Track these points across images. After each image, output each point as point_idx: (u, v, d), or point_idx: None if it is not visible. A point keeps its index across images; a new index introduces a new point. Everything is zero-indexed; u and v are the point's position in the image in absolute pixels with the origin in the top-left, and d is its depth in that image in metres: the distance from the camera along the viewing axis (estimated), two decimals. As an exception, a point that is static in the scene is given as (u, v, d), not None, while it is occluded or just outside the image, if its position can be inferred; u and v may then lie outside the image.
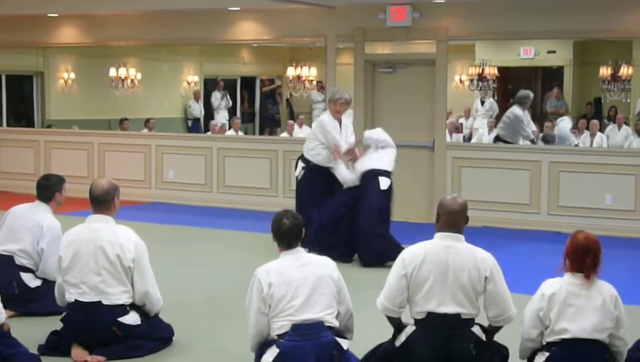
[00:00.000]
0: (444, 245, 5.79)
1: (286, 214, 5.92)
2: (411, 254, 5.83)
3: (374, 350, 6.04)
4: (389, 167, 10.53)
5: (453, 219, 5.85)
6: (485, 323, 5.89)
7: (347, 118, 11.29)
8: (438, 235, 5.88)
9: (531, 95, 14.53)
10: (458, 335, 5.70)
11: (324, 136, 10.69)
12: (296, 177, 10.99)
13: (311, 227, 9.82)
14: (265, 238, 11.53)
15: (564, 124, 15.02)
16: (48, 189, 7.82)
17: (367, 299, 6.65)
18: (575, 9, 12.37)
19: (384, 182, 10.40)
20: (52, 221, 7.69)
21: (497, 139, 14.17)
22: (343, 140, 10.77)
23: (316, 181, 10.78)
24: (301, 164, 10.90)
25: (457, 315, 5.69)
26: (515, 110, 13.94)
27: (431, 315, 5.71)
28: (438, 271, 5.71)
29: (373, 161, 10.51)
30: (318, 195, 10.68)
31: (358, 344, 6.04)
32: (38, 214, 7.70)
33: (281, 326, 5.69)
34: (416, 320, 5.81)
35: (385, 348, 5.97)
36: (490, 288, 5.73)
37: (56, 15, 15.85)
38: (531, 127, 14.07)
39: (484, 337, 5.80)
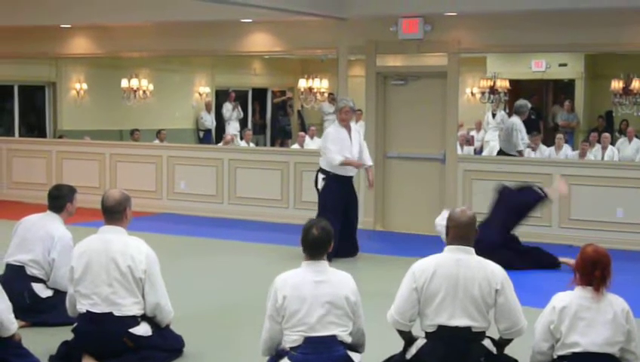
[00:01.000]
0: (455, 258, 5.78)
1: (317, 224, 5.87)
2: (421, 268, 5.83)
3: (387, 360, 6.04)
4: None
5: (462, 232, 5.84)
6: (496, 336, 5.88)
7: (355, 127, 11.37)
8: (448, 248, 5.87)
9: (529, 104, 14.68)
10: (469, 349, 5.70)
11: (324, 151, 10.93)
12: (318, 189, 11.04)
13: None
14: (276, 249, 11.66)
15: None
16: (60, 199, 7.85)
17: (374, 309, 6.64)
18: (587, 22, 12.37)
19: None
20: (63, 231, 7.71)
21: (500, 152, 14.21)
22: (355, 149, 10.95)
23: (338, 190, 10.92)
24: (321, 176, 10.99)
25: (468, 328, 5.68)
26: (515, 120, 13.97)
27: (442, 328, 5.70)
28: (449, 284, 5.70)
29: None
30: (341, 204, 10.85)
31: (368, 356, 6.04)
32: (49, 224, 7.72)
33: (294, 339, 5.69)
34: (427, 333, 5.80)
35: (396, 360, 5.97)
36: (501, 301, 5.72)
37: (69, 26, 15.90)
38: (522, 140, 14.05)
39: (494, 350, 5.79)
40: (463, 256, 5.79)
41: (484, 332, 5.78)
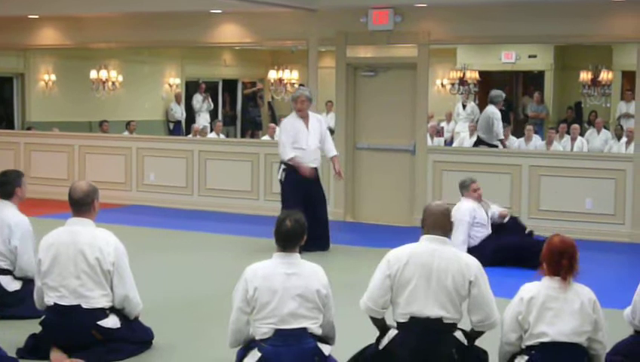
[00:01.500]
0: (430, 248, 5.80)
1: (290, 216, 5.86)
2: (396, 255, 5.85)
3: (360, 352, 6.04)
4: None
5: (438, 223, 5.87)
6: (467, 328, 5.89)
7: (315, 117, 11.23)
8: (424, 238, 5.89)
9: (503, 94, 14.73)
10: (440, 340, 5.70)
11: (279, 141, 10.95)
12: (280, 180, 10.99)
13: None
14: (246, 241, 11.64)
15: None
16: (8, 185, 7.73)
17: (345, 301, 6.65)
18: (556, 14, 12.42)
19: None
20: (19, 216, 7.62)
21: (479, 141, 14.25)
22: (312, 140, 10.85)
23: (298, 181, 10.79)
24: (282, 166, 10.92)
25: (440, 319, 5.69)
26: (492, 109, 14.05)
27: (414, 319, 5.71)
28: (422, 273, 5.71)
29: None
30: (300, 197, 10.67)
31: (339, 348, 6.04)
32: (2, 212, 7.60)
33: (264, 331, 5.68)
34: (398, 323, 5.80)
35: (370, 351, 5.98)
36: (475, 292, 5.73)
37: (37, 17, 15.79)
38: (499, 129, 14.20)
39: (465, 342, 5.80)
40: (439, 247, 5.80)
41: (455, 324, 5.78)
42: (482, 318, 5.78)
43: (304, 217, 5.94)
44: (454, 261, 5.76)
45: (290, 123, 10.95)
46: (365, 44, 13.91)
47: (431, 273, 5.71)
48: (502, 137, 14.16)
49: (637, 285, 6.01)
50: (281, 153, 10.85)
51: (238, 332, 5.84)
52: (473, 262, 5.80)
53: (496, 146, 13.98)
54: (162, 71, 21.43)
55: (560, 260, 5.54)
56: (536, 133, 16.62)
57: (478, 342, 5.95)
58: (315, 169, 11.01)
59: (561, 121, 18.47)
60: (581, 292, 5.58)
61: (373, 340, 5.99)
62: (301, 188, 10.76)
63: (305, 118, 10.93)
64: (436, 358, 5.68)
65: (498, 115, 14.05)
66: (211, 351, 6.80)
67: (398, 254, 5.84)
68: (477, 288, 5.73)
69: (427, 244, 5.84)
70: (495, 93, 14.48)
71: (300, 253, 5.92)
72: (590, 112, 18.78)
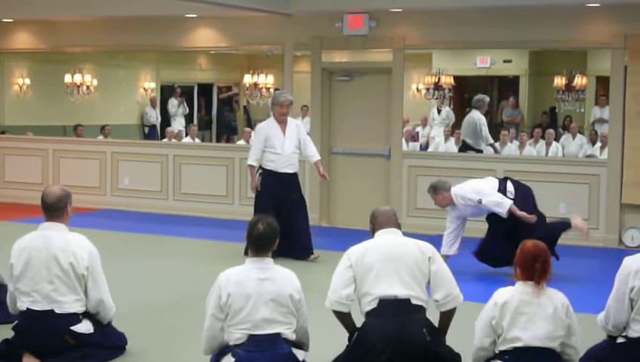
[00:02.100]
0: (385, 237, 6.04)
1: (262, 219, 5.86)
2: (355, 248, 6.05)
3: (336, 359, 6.04)
4: None
5: (389, 219, 6.13)
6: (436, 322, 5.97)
7: (294, 122, 11.14)
8: (378, 233, 6.11)
9: (487, 98, 14.77)
10: (410, 321, 5.77)
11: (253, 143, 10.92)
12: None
13: None
14: (220, 245, 11.62)
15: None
16: None
17: (320, 306, 6.65)
18: (531, 19, 12.48)
19: None
20: None
21: (465, 146, 14.23)
22: (289, 145, 10.79)
23: (272, 186, 10.76)
24: (259, 171, 10.88)
25: (408, 300, 5.78)
26: (476, 114, 14.10)
27: (382, 302, 5.77)
28: (383, 256, 5.88)
29: None
30: (273, 202, 10.63)
31: (313, 353, 6.04)
32: None
33: (237, 337, 5.67)
34: (367, 312, 5.86)
35: (343, 354, 5.99)
36: (434, 268, 5.89)
37: (11, 20, 15.72)
38: (484, 133, 14.28)
39: (436, 324, 5.94)
40: (393, 236, 6.06)
41: (424, 307, 5.87)
42: (447, 293, 5.90)
43: (276, 221, 5.92)
44: (410, 242, 6.01)
45: (267, 128, 10.90)
46: (340, 49, 13.94)
47: (391, 255, 5.89)
48: (491, 142, 14.24)
49: (610, 290, 6.03)
50: (248, 157, 10.89)
51: (212, 339, 5.82)
52: (427, 243, 6.03)
53: (482, 151, 14.01)
54: (137, 75, 21.38)
55: (533, 264, 5.57)
56: (515, 138, 16.70)
57: (452, 346, 5.97)
58: (293, 175, 10.93)
59: (536, 125, 18.54)
60: (554, 297, 5.61)
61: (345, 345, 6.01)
62: (275, 194, 10.72)
63: (283, 123, 10.85)
64: (408, 339, 5.73)
65: (483, 119, 14.11)
66: (185, 355, 6.79)
67: (357, 247, 6.05)
68: (435, 264, 5.92)
69: (383, 235, 6.07)
70: (478, 97, 14.55)
71: (273, 258, 5.92)
72: (565, 117, 18.87)
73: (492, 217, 10.22)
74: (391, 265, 5.83)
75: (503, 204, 9.88)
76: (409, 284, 5.80)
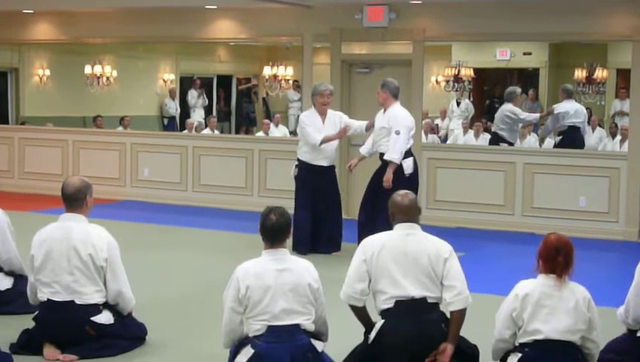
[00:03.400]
0: (403, 233, 5.96)
1: (274, 210, 5.81)
2: (370, 241, 6.01)
3: (351, 353, 6.04)
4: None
5: (408, 211, 6.04)
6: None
7: (336, 114, 10.97)
8: (396, 227, 6.03)
9: (518, 90, 14.73)
10: (428, 319, 5.77)
11: (303, 135, 10.67)
12: (293, 176, 10.90)
13: (297, 228, 9.82)
14: (239, 237, 11.63)
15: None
16: None
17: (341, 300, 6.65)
18: (551, 11, 12.42)
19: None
20: None
21: (497, 138, 14.17)
22: (331, 131, 10.68)
23: (305, 178, 10.73)
24: (295, 163, 10.84)
25: (424, 299, 5.77)
26: (507, 107, 14.04)
27: (399, 302, 5.77)
28: (398, 255, 5.84)
29: None
30: (311, 195, 10.67)
31: (332, 344, 6.04)
32: None
33: (257, 328, 5.67)
34: (383, 311, 5.85)
35: (360, 348, 5.99)
36: (448, 266, 5.85)
37: (32, 11, 15.76)
38: (526, 115, 14.48)
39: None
40: (411, 232, 5.97)
41: (438, 304, 5.88)
42: (457, 292, 5.82)
43: (287, 211, 5.89)
44: (427, 241, 5.94)
45: (308, 117, 10.71)
46: (360, 41, 13.91)
47: (407, 255, 5.83)
48: (533, 118, 14.41)
49: (630, 283, 6.01)
50: (314, 140, 10.52)
51: (231, 332, 5.82)
52: (445, 244, 5.96)
53: (512, 144, 13.94)
54: (157, 66, 21.42)
55: (556, 257, 5.54)
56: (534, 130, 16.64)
57: (471, 337, 5.96)
58: (329, 168, 10.84)
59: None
60: (576, 291, 5.59)
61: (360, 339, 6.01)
62: (309, 186, 10.70)
63: (323, 113, 10.72)
64: (426, 336, 5.74)
65: (517, 110, 14.09)
66: (205, 346, 6.80)
67: (373, 240, 6.01)
68: (450, 263, 5.86)
69: (399, 231, 5.98)
70: (509, 89, 14.52)
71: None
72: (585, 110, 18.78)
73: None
74: (406, 264, 5.80)
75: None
76: (425, 284, 5.79)
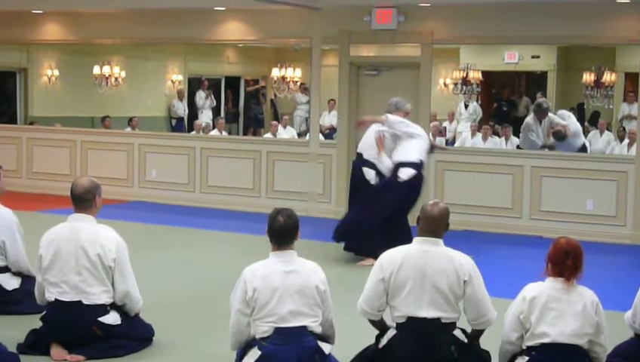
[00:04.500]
0: (423, 249, 5.80)
1: (282, 212, 5.80)
2: (389, 258, 5.86)
3: (361, 352, 6.04)
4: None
5: (431, 225, 5.86)
6: (468, 327, 5.90)
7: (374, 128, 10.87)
8: (416, 239, 5.90)
9: (543, 104, 14.25)
10: (438, 340, 5.70)
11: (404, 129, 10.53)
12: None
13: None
14: (247, 238, 11.64)
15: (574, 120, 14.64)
16: None
17: (348, 302, 6.66)
18: (560, 15, 12.42)
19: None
20: (1, 210, 7.55)
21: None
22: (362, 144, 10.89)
23: (355, 177, 10.96)
24: (371, 172, 10.70)
25: (437, 319, 5.70)
26: (526, 120, 14.03)
27: (411, 319, 5.72)
28: (416, 276, 5.72)
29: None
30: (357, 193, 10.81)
31: (339, 347, 6.04)
32: None
33: (264, 330, 5.67)
34: (397, 324, 5.81)
35: (370, 350, 5.98)
36: (469, 291, 5.73)
37: (41, 12, 15.80)
38: (542, 137, 13.97)
39: (465, 340, 5.81)
40: (431, 248, 5.81)
41: (454, 323, 5.79)
42: (476, 316, 5.79)
43: (294, 212, 5.87)
44: (447, 261, 5.77)
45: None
46: (368, 43, 13.91)
47: (425, 275, 5.71)
48: (539, 145, 14.08)
49: (637, 287, 6.00)
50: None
51: (238, 334, 5.82)
52: (466, 261, 5.81)
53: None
54: (165, 67, 21.43)
55: (565, 260, 5.54)
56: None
57: (480, 341, 5.95)
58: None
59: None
60: (584, 294, 5.58)
61: (372, 339, 6.00)
62: (357, 187, 10.82)
63: None
64: (435, 356, 5.68)
65: (530, 125, 13.94)
66: (212, 348, 6.81)
67: (391, 257, 5.85)
68: (471, 287, 5.73)
69: (419, 246, 5.84)
70: (536, 101, 14.55)
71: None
72: (592, 113, 18.77)
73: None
74: (424, 285, 5.69)
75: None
76: (440, 306, 5.70)
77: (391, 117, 10.44)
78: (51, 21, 16.13)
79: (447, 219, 5.92)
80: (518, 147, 14.61)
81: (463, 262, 5.80)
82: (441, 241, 5.86)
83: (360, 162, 10.79)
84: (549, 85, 20.43)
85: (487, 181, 12.85)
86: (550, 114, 13.91)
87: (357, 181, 10.82)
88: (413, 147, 10.33)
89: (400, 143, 10.44)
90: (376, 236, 9.92)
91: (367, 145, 10.79)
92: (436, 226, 5.86)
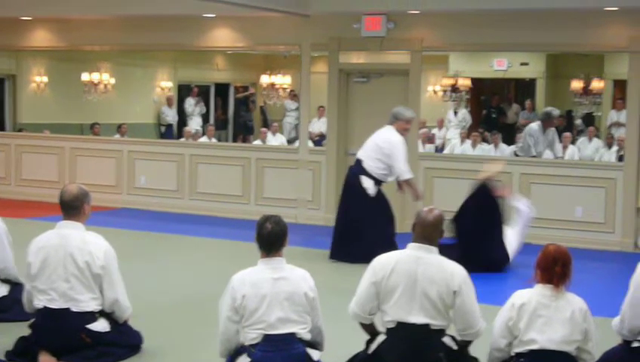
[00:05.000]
0: (415, 256, 5.80)
1: (270, 219, 5.79)
2: (381, 263, 5.86)
3: (351, 359, 6.05)
4: None
5: (426, 232, 5.85)
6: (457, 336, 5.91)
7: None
8: (410, 245, 5.89)
9: (553, 113, 14.01)
10: (427, 345, 5.71)
11: (395, 159, 10.71)
12: (369, 193, 10.85)
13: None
14: (236, 245, 11.63)
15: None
16: None
17: (338, 309, 6.66)
18: (549, 22, 12.46)
19: None
20: None
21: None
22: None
23: (383, 195, 11.04)
24: (370, 181, 10.81)
25: (426, 326, 5.70)
26: (531, 125, 13.97)
27: (400, 325, 5.72)
28: (407, 281, 5.72)
29: None
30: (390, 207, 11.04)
31: (328, 353, 6.04)
32: None
33: (253, 337, 5.67)
34: (387, 329, 5.82)
35: (360, 357, 5.99)
36: (459, 302, 5.73)
37: (30, 18, 15.79)
38: (541, 148, 13.77)
39: (455, 347, 5.81)
40: (424, 255, 5.80)
41: (443, 330, 5.79)
42: (465, 327, 5.79)
43: (282, 219, 5.87)
44: (439, 270, 5.75)
45: (403, 143, 10.82)
46: (358, 50, 13.94)
47: (416, 281, 5.71)
48: (534, 154, 14.04)
49: (626, 294, 6.01)
50: (402, 172, 10.81)
51: (227, 341, 5.81)
52: (459, 272, 5.79)
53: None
54: (154, 74, 21.41)
55: (553, 267, 5.56)
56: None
57: (469, 349, 5.96)
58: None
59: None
60: (573, 301, 5.60)
61: (361, 345, 6.01)
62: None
63: (405, 137, 10.96)
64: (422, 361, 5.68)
65: (533, 132, 13.71)
66: (201, 355, 6.81)
67: (384, 262, 5.86)
68: (460, 298, 5.73)
69: (412, 253, 5.83)
70: (544, 110, 14.43)
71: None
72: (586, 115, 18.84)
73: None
74: (414, 291, 5.70)
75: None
76: (429, 313, 5.70)
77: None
78: (40, 28, 16.11)
79: (441, 226, 5.92)
80: (515, 154, 14.57)
81: (455, 272, 5.78)
82: (435, 249, 5.85)
83: (358, 169, 10.79)
84: (537, 92, 20.49)
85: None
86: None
87: (350, 187, 10.81)
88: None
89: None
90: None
91: (368, 151, 10.78)
92: (430, 233, 5.85)
